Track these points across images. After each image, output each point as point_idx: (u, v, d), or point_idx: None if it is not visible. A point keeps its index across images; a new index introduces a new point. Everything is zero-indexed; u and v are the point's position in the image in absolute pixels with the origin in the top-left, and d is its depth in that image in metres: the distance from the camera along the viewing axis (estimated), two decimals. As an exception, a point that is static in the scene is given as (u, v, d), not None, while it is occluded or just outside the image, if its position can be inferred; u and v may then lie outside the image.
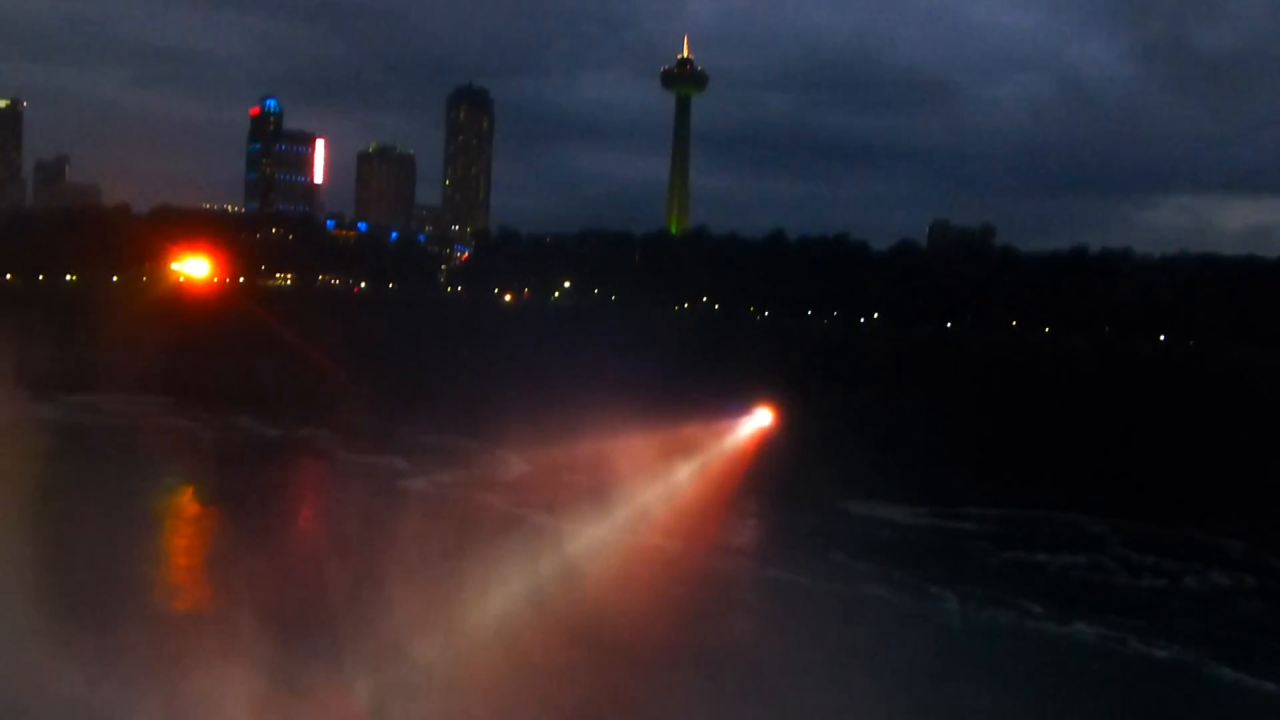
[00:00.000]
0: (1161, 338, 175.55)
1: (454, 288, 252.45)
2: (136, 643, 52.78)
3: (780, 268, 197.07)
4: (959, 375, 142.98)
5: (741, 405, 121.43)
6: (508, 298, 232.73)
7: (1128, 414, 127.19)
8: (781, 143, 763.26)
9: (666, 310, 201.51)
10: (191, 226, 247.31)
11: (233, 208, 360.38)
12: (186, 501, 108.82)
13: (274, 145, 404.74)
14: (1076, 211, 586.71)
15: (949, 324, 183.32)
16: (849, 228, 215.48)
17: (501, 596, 57.73)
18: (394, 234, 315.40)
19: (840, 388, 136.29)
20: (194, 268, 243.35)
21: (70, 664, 44.98)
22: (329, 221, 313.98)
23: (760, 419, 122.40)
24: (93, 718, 41.08)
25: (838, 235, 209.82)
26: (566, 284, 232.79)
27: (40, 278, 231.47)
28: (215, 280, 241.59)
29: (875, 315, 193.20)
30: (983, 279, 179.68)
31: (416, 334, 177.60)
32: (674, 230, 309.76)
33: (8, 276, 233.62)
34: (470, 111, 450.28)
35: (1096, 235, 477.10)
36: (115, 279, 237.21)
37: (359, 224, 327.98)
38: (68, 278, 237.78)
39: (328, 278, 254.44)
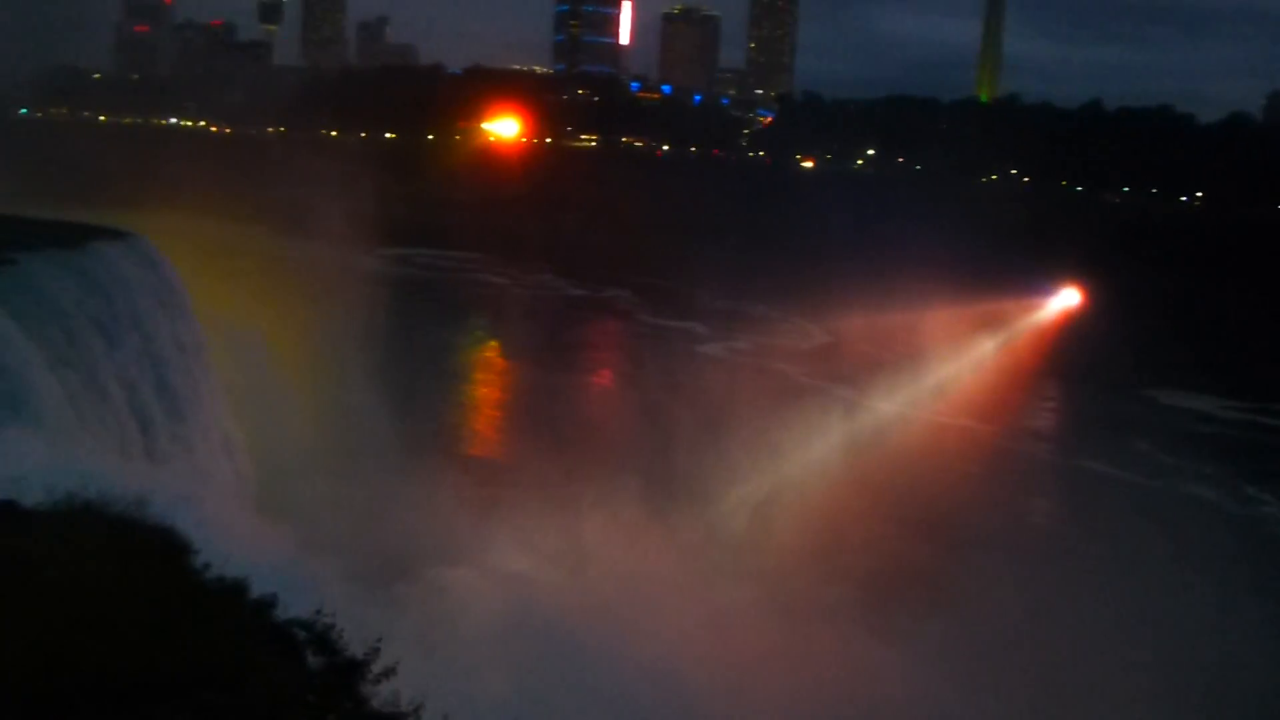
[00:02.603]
0: None
1: (755, 152, 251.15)
2: (464, 484, 56.03)
3: (1096, 140, 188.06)
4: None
5: (1048, 283, 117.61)
6: (808, 164, 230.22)
7: None
8: (1104, 5, 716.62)
9: (972, 181, 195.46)
10: (501, 87, 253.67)
11: (540, 69, 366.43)
12: (497, 355, 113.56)
13: (581, 6, 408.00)
14: None
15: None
16: (1174, 98, 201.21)
17: (800, 467, 58.36)
18: (697, 97, 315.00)
19: (1155, 270, 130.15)
20: (503, 127, 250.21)
21: (401, 502, 48.17)
22: (633, 84, 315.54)
23: (1067, 298, 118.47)
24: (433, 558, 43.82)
25: (1160, 106, 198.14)
26: (869, 151, 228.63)
27: (362, 135, 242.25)
28: (523, 140, 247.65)
29: (1197, 194, 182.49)
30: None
31: (717, 198, 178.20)
32: (983, 98, 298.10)
33: (332, 133, 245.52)
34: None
35: None
36: (429, 137, 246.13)
37: (663, 86, 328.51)
38: (386, 135, 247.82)
39: (631, 140, 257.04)
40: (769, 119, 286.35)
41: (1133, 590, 47.79)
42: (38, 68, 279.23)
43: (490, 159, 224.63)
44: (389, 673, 13.92)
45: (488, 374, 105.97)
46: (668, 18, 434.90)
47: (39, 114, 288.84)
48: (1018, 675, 41.80)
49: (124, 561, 14.12)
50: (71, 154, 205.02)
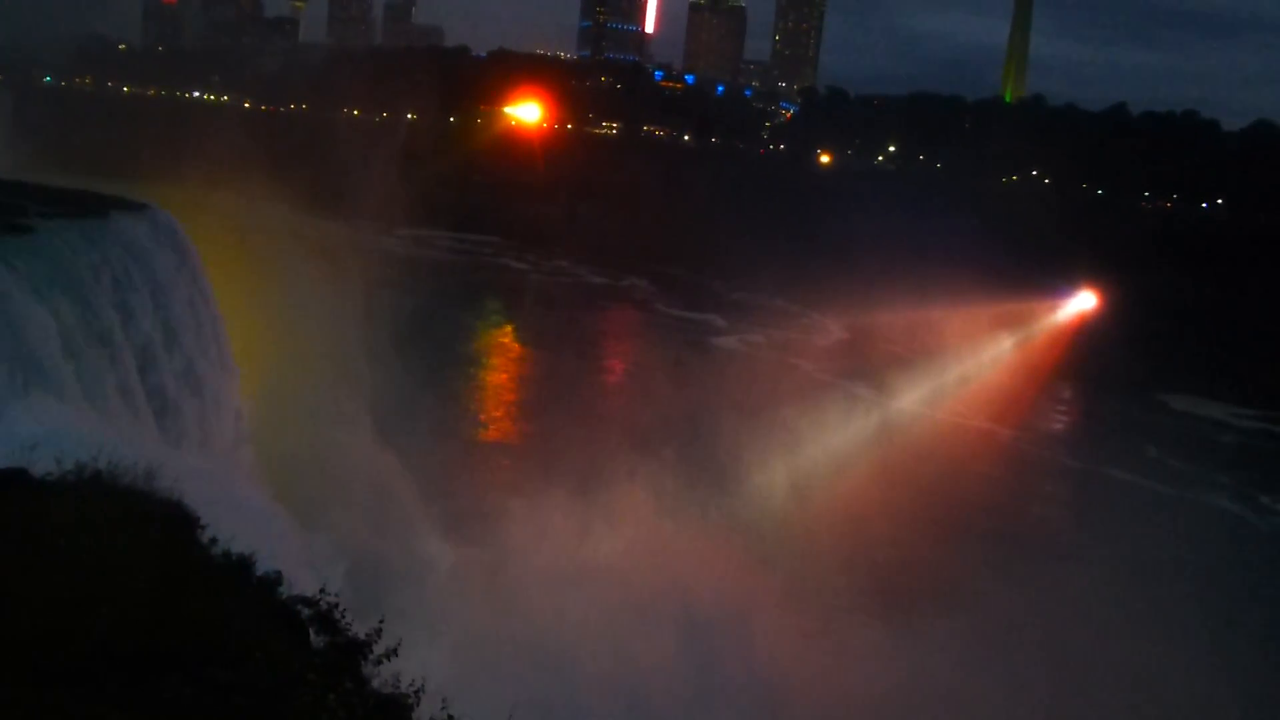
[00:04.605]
0: None
1: (777, 145, 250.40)
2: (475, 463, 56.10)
3: (1119, 143, 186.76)
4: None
5: (1066, 285, 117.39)
6: (825, 158, 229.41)
7: None
8: (1132, 8, 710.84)
9: (994, 181, 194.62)
10: (525, 71, 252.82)
11: (565, 55, 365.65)
12: (515, 341, 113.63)
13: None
14: None
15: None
16: (1199, 104, 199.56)
17: (814, 464, 58.31)
18: (720, 88, 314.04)
19: (1172, 275, 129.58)
20: (526, 112, 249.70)
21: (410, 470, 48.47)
22: (657, 72, 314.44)
23: (1082, 301, 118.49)
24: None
25: (1185, 111, 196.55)
26: (890, 148, 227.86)
27: (384, 114, 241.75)
28: (544, 125, 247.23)
29: (1219, 200, 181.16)
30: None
31: (738, 190, 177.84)
32: (1008, 98, 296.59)
33: (354, 112, 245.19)
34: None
35: None
36: (451, 119, 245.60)
37: (687, 76, 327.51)
38: (408, 116, 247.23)
39: (653, 128, 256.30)
40: (790, 113, 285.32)
41: (1142, 595, 47.73)
42: (65, 36, 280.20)
43: (512, 143, 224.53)
44: (391, 653, 13.95)
45: (505, 359, 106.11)
46: (694, 7, 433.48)
47: (63, 83, 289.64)
48: (1023, 665, 41.87)
49: (132, 534, 14.17)
50: (95, 124, 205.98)
